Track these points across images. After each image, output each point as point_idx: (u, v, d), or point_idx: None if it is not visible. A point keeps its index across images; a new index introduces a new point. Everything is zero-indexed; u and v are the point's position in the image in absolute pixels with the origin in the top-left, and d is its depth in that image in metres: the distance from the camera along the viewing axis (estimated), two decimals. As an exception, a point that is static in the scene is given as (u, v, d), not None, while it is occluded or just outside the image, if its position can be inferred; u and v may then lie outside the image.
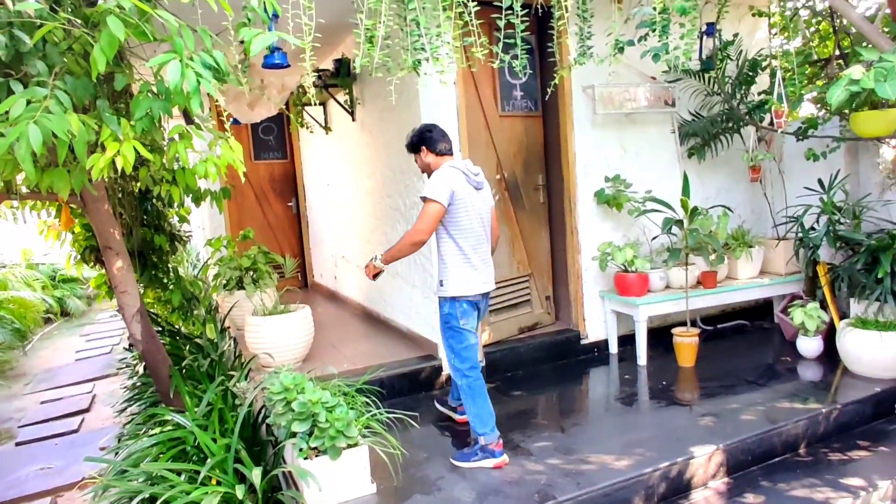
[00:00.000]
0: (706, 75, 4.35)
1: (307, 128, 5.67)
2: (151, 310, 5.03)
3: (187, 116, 6.35)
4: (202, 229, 8.03)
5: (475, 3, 2.76)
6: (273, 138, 7.00)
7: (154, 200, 4.30)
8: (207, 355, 4.18)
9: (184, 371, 3.97)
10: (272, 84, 4.64)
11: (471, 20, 2.75)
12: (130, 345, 3.62)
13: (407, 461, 2.85)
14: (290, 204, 7.16)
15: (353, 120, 5.01)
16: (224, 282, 4.89)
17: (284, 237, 7.16)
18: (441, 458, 2.91)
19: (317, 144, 6.34)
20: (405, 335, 4.45)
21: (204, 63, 2.37)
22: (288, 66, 3.26)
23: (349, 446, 2.52)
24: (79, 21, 2.23)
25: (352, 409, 2.74)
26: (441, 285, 2.82)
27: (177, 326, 4.82)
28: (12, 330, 6.29)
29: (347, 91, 4.88)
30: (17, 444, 4.48)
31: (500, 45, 2.81)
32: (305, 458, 2.49)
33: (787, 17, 4.61)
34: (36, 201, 3.63)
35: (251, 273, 4.97)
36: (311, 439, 2.49)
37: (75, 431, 4.65)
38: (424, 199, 2.71)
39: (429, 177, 2.88)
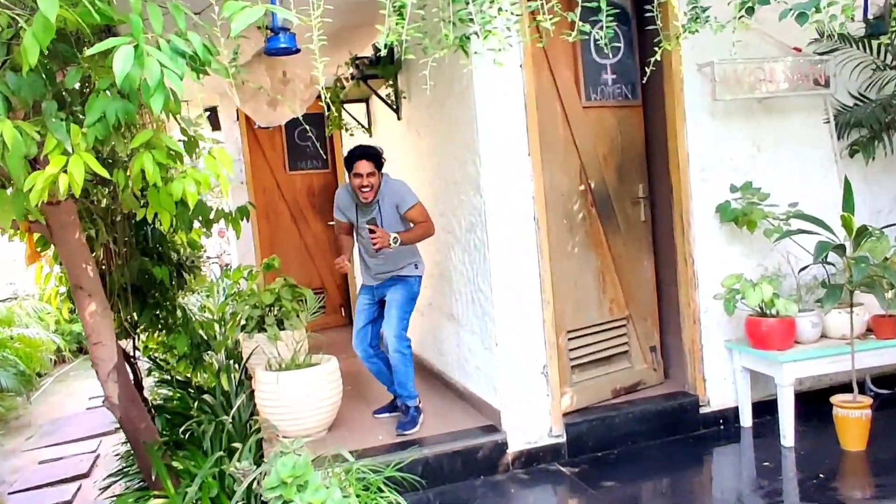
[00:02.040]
0: (875, 42, 3.75)
1: (347, 130, 5.46)
2: (159, 356, 4.95)
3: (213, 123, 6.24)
4: (227, 255, 8.06)
5: (542, -45, 2.40)
6: (311, 144, 6.88)
7: (155, 224, 4.19)
8: (214, 417, 3.99)
9: (186, 436, 3.79)
10: (297, 77, 4.45)
11: (536, -22, 2.38)
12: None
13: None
14: (331, 223, 6.99)
15: (399, 118, 4.75)
16: (242, 322, 4.71)
17: (325, 263, 6.98)
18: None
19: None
20: (461, 396, 4.07)
21: (174, 49, 2.13)
22: (297, 50, 3.02)
23: (363, 568, 2.17)
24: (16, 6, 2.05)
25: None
26: (416, 267, 3.86)
27: (188, 376, 4.70)
28: (16, 373, 6.44)
29: (391, 83, 4.63)
30: (2, 517, 4.46)
31: (579, 10, 2.42)
32: (304, 583, 2.15)
33: None
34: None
35: (274, 311, 4.77)
36: (312, 556, 2.16)
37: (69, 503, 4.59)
38: (415, 204, 3.70)
39: (364, 198, 3.71)
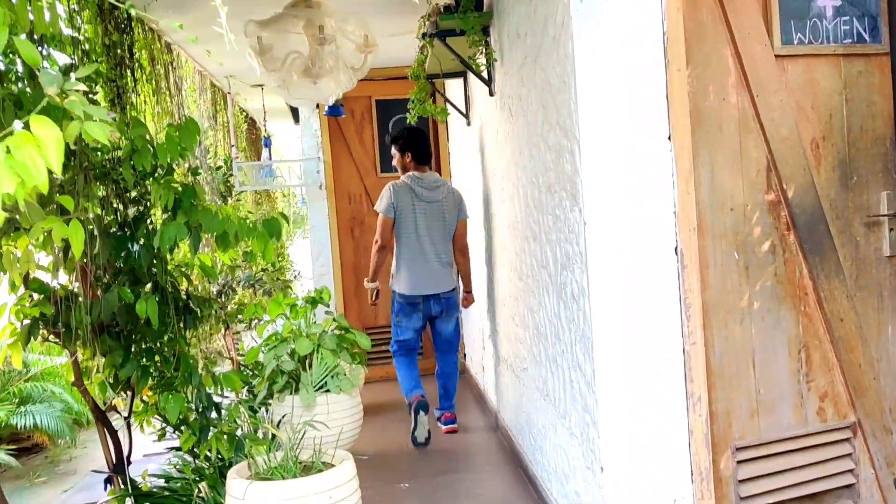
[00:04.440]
0: None
1: (436, 116, 4.38)
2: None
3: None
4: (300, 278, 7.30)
5: None
6: (410, 139, 5.90)
7: (141, 238, 3.35)
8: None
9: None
10: (344, 34, 3.45)
11: None
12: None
13: None
14: (434, 241, 5.96)
15: (491, 93, 3.59)
16: (269, 378, 3.78)
17: (423, 292, 5.96)
18: None
19: (460, 144, 5.07)
20: (557, 528, 2.81)
21: None
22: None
23: None
24: None
25: None
26: (392, 278, 4.27)
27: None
28: (65, 411, 6.06)
29: (479, 41, 3.48)
30: None
31: None
32: None
33: None
34: None
35: (315, 365, 3.79)
36: None
37: None
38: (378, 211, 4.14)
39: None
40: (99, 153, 3.27)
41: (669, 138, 2.18)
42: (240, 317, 5.92)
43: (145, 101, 3.99)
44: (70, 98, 1.83)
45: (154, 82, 4.13)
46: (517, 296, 3.35)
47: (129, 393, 3.74)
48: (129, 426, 3.70)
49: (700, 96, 2.27)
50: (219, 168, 5.89)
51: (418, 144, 4.16)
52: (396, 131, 4.31)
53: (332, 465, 2.67)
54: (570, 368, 2.46)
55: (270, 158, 6.00)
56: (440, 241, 4.11)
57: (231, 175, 5.67)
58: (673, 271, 2.18)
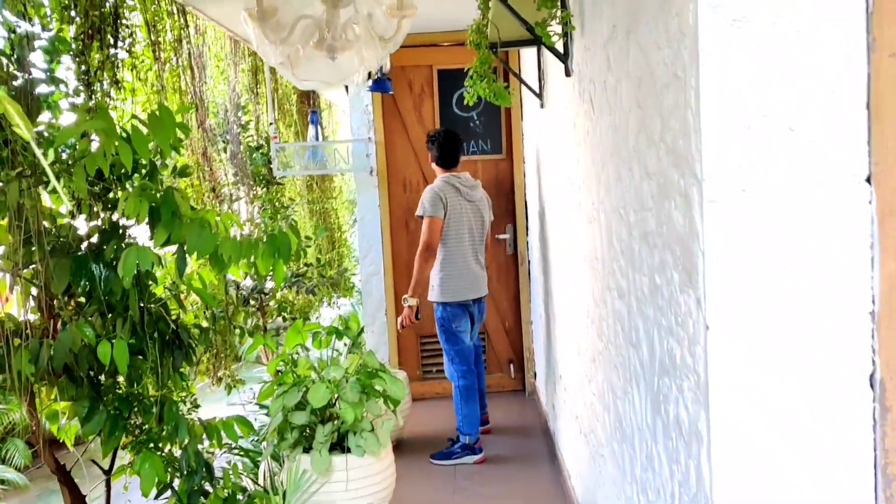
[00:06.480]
0: None
1: (495, 100, 3.44)
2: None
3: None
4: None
5: None
6: (478, 116, 4.99)
7: (109, 258, 2.60)
8: None
9: None
10: (368, -3, 2.55)
11: None
12: None
13: None
14: (502, 236, 5.08)
15: (568, 73, 2.63)
16: (276, 432, 3.03)
17: (490, 298, 5.08)
18: None
19: (533, 128, 4.14)
20: None
21: None
22: None
23: None
24: None
25: None
26: (432, 290, 3.97)
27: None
28: None
29: (551, 2, 2.52)
30: None
31: None
32: None
33: None
34: None
35: (333, 419, 3.02)
36: None
37: None
38: (421, 216, 3.86)
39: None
40: (52, 151, 2.54)
41: (869, 180, 1.22)
42: (277, 319, 5.24)
43: (140, 78, 3.22)
44: None
45: (155, 52, 3.36)
46: (594, 356, 2.44)
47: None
48: (108, 485, 3.04)
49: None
50: (258, 148, 5.14)
51: (451, 148, 3.96)
52: (433, 132, 4.07)
53: None
54: (666, 443, 1.57)
55: (317, 137, 5.21)
56: (479, 242, 4.03)
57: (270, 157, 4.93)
58: (866, 417, 1.24)
